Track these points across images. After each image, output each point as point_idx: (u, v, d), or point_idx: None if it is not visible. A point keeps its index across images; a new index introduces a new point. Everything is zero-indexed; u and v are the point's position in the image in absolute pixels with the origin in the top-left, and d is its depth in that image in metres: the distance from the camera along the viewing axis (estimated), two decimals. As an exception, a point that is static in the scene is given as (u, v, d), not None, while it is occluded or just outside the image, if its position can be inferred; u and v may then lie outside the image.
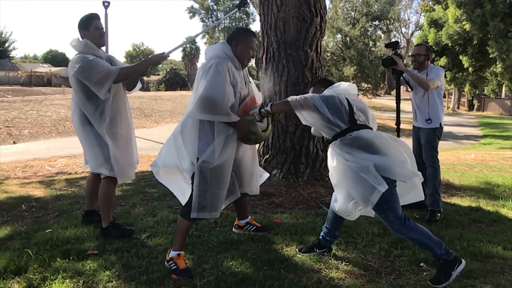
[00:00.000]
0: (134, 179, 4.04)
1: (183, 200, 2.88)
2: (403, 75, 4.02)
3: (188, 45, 47.14)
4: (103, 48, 3.42)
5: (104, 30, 3.38)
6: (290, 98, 2.68)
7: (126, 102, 3.44)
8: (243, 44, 2.87)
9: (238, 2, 3.67)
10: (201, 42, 54.09)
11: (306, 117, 2.66)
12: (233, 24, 29.75)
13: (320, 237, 3.07)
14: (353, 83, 26.12)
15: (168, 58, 3.33)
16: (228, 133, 2.73)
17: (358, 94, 3.03)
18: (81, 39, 3.26)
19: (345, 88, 2.83)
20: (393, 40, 9.90)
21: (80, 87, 3.15)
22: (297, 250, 3.10)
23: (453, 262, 2.59)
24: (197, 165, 2.69)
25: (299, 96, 2.68)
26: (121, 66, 3.29)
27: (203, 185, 2.69)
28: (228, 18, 43.42)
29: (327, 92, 2.80)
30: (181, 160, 2.82)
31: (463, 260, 2.63)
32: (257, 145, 3.45)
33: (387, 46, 4.12)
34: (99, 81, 3.06)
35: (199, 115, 2.65)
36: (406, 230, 2.59)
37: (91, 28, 3.25)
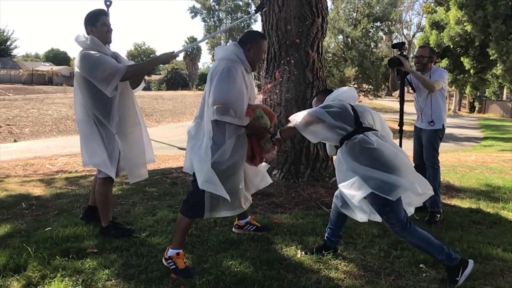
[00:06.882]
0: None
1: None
2: (407, 76, 4.00)
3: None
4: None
5: (111, 27, 3.24)
6: (294, 123, 2.72)
7: (134, 101, 3.36)
8: (256, 48, 2.87)
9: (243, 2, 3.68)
10: (202, 43, 54.11)
11: (314, 132, 2.71)
12: (235, 25, 29.61)
13: (325, 238, 3.07)
14: (354, 84, 26.11)
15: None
16: (239, 134, 2.73)
17: (358, 95, 3.06)
18: (87, 36, 3.14)
19: (344, 91, 2.87)
20: (395, 41, 9.89)
21: (86, 85, 3.06)
22: (301, 252, 3.08)
23: (457, 267, 2.61)
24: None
25: (300, 115, 2.70)
26: (128, 64, 3.20)
27: None
28: (232, 19, 43.44)
29: (328, 100, 2.82)
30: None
31: (470, 262, 2.64)
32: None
33: (393, 46, 4.09)
34: (106, 78, 2.98)
35: (218, 117, 2.64)
36: (405, 234, 2.62)
37: (99, 25, 3.14)
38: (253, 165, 3.00)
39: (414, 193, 2.59)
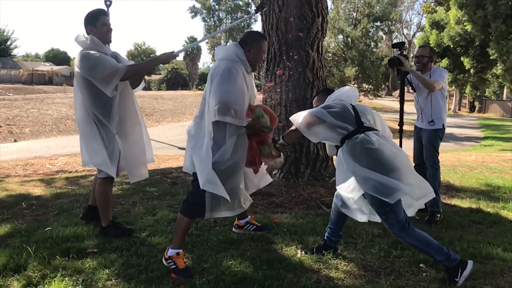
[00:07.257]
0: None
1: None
2: (407, 76, 4.00)
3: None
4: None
5: (111, 27, 3.24)
6: (295, 124, 2.70)
7: (134, 100, 3.37)
8: (256, 49, 2.88)
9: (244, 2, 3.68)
10: (202, 42, 54.16)
11: (315, 133, 2.69)
12: (235, 25, 29.56)
13: (325, 238, 3.07)
14: (354, 84, 26.08)
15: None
16: (239, 133, 2.73)
17: (358, 95, 3.06)
18: (87, 35, 3.14)
19: (346, 91, 2.87)
20: (395, 41, 9.88)
21: (86, 84, 3.06)
22: (301, 252, 3.07)
23: (456, 267, 2.61)
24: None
25: (301, 115, 2.69)
26: (128, 63, 3.21)
27: None
28: (232, 19, 43.45)
29: (329, 100, 2.82)
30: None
31: (469, 262, 2.64)
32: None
33: (394, 46, 4.09)
34: (106, 78, 2.98)
35: (219, 118, 2.64)
36: (404, 234, 2.61)
37: (98, 24, 3.14)
38: (253, 168, 3.00)
39: (412, 197, 2.59)
